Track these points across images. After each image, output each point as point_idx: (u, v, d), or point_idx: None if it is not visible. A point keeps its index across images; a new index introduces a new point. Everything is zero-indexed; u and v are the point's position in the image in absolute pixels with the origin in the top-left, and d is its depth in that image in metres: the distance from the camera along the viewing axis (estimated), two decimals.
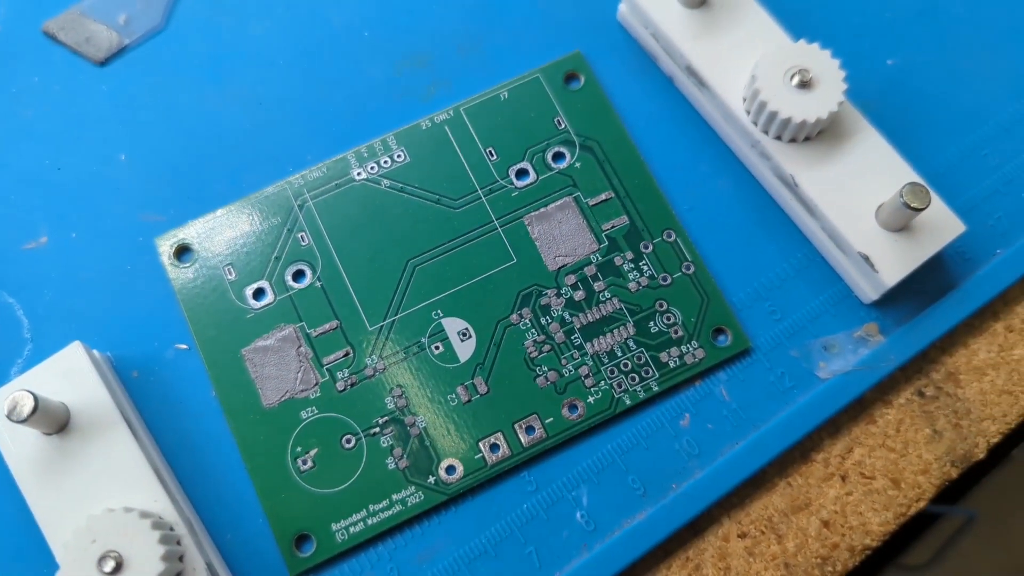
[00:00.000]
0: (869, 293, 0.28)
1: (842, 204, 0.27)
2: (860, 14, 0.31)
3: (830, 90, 0.27)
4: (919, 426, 0.28)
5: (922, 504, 0.28)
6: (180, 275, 0.28)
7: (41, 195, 0.29)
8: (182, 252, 0.29)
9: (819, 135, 0.28)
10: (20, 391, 0.24)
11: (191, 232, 0.29)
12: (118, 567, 0.23)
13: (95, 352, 0.27)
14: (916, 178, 0.27)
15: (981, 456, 0.28)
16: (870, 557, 0.28)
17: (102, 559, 0.23)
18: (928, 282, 0.29)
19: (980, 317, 0.29)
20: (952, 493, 0.49)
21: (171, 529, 0.25)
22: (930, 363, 0.29)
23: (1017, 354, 0.29)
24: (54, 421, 0.25)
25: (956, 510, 0.47)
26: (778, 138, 0.28)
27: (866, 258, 0.27)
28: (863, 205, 0.27)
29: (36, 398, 0.24)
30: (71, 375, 0.26)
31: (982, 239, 0.29)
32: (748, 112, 0.28)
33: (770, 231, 0.29)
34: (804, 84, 0.27)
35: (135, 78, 0.31)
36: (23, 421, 0.24)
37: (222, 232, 0.28)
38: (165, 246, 0.28)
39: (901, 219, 0.27)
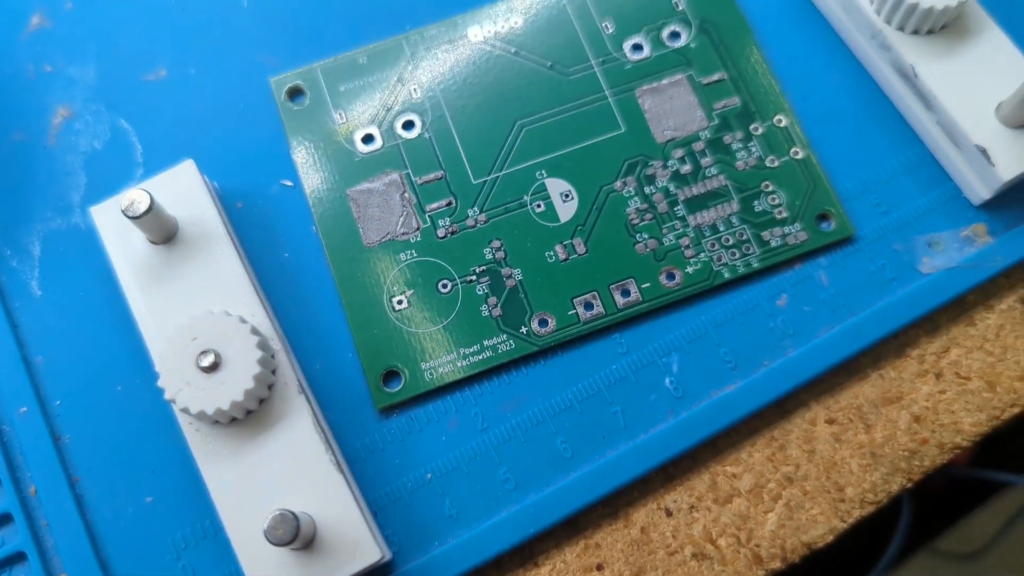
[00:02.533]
0: (981, 192, 0.27)
1: (961, 97, 0.27)
2: None
3: None
4: (1020, 333, 0.28)
5: (1016, 410, 0.27)
6: (291, 115, 0.29)
7: (164, 31, 0.30)
8: (295, 93, 0.29)
9: (943, 29, 0.28)
10: (138, 190, 0.24)
11: (306, 75, 0.29)
12: (216, 365, 0.24)
13: (204, 176, 0.27)
14: None
15: None
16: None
17: (201, 354, 0.24)
18: None
19: None
20: (1020, 464, 0.48)
21: (267, 341, 0.25)
22: None
23: None
24: (163, 228, 0.26)
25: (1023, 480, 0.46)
26: (901, 29, 0.28)
27: (983, 151, 0.26)
28: (983, 100, 0.27)
29: (152, 198, 0.24)
30: (182, 190, 0.26)
31: None
32: (872, 1, 0.28)
33: (881, 126, 0.29)
34: None
35: None
36: (137, 218, 0.24)
37: (336, 77, 0.29)
38: (279, 86, 0.29)
39: (1023, 114, 0.26)
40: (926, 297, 0.27)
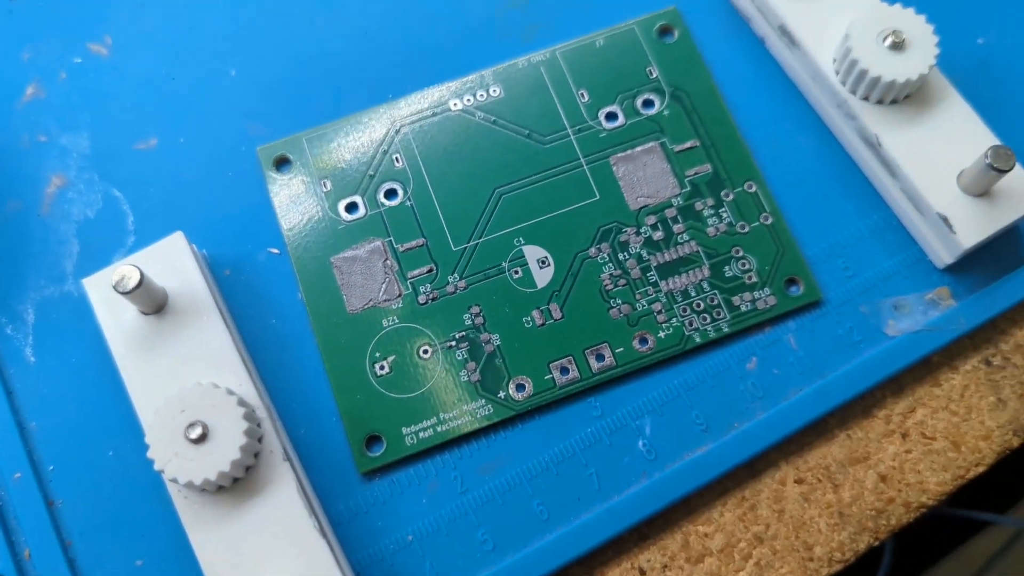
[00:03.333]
0: (944, 257, 0.28)
1: (924, 166, 0.28)
2: None
3: (922, 53, 0.28)
4: (984, 393, 0.28)
5: (981, 469, 0.28)
6: (278, 184, 0.30)
7: (155, 101, 0.31)
8: (282, 163, 0.30)
9: (906, 99, 0.29)
10: (128, 265, 0.25)
11: (291, 145, 0.30)
12: (204, 436, 0.24)
13: (193, 246, 0.28)
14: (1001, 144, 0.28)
15: None
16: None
17: (190, 426, 0.25)
18: (1004, 253, 0.29)
19: None
20: (1002, 503, 0.48)
21: (253, 411, 0.26)
22: (1000, 333, 0.29)
23: None
24: (153, 300, 0.26)
25: (1006, 520, 0.47)
26: (865, 98, 0.29)
27: (945, 219, 0.27)
28: (945, 169, 0.28)
29: (142, 273, 0.25)
30: (172, 262, 0.27)
31: None
32: (837, 72, 0.29)
33: (849, 191, 0.30)
34: (896, 45, 0.28)
35: (251, 0, 0.32)
36: (127, 293, 0.25)
37: (321, 147, 0.30)
38: (266, 156, 0.30)
39: (984, 182, 0.27)
40: (892, 359, 0.28)
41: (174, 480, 0.24)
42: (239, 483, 0.25)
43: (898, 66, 0.28)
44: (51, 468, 0.27)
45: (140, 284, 0.25)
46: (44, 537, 0.26)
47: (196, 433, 0.24)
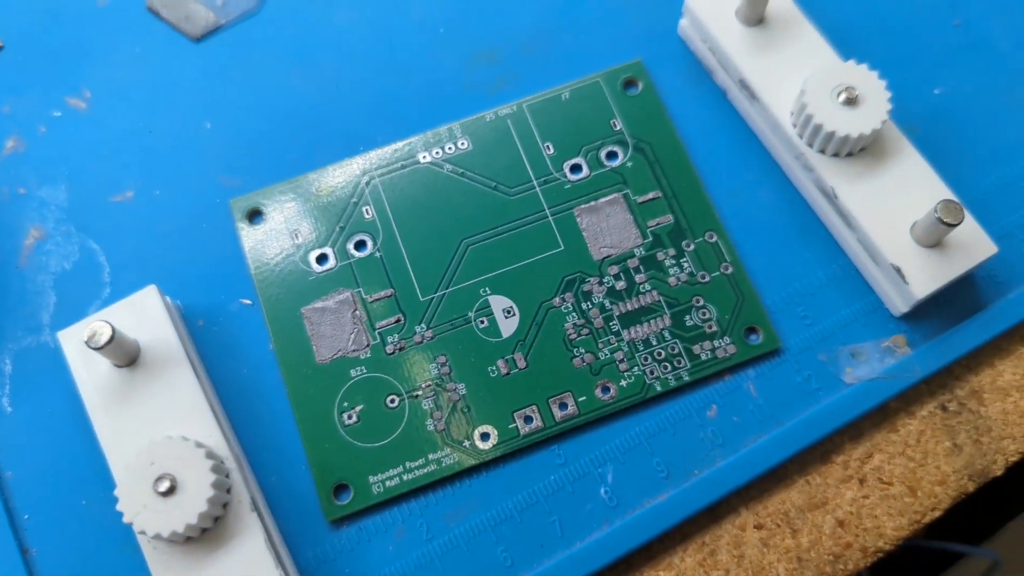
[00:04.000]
0: (899, 306, 0.29)
1: (879, 218, 0.29)
2: (911, 43, 0.33)
3: (875, 108, 0.29)
4: (940, 438, 0.29)
5: (937, 514, 0.28)
6: (250, 236, 0.30)
7: (132, 154, 0.32)
8: (254, 215, 0.31)
9: (861, 151, 0.29)
10: (99, 321, 0.26)
11: (264, 197, 0.31)
12: (172, 489, 0.25)
13: (167, 298, 0.29)
14: (952, 197, 0.28)
15: (999, 473, 0.29)
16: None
17: (158, 480, 0.25)
18: (958, 302, 0.30)
19: (1008, 340, 0.30)
20: (976, 535, 0.49)
21: (222, 462, 0.26)
22: (955, 379, 0.30)
23: None
24: (126, 354, 0.27)
25: (981, 552, 0.47)
26: (822, 152, 0.29)
27: (898, 270, 0.28)
28: (899, 220, 0.29)
29: (113, 329, 0.26)
30: (144, 315, 0.28)
31: (1015, 265, 0.30)
32: (795, 125, 0.30)
33: (807, 240, 0.30)
34: (850, 101, 0.29)
35: (226, 55, 0.33)
36: (99, 349, 0.26)
37: (293, 199, 0.31)
38: (239, 208, 0.31)
39: (934, 235, 0.28)
40: (850, 406, 0.29)
41: (143, 532, 0.25)
42: (208, 533, 0.26)
43: (852, 121, 0.28)
44: (26, 517, 0.28)
45: (111, 340, 0.26)
46: None
47: (164, 487, 0.25)
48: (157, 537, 0.25)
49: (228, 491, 0.26)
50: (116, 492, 0.25)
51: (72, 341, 0.28)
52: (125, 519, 0.25)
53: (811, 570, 0.28)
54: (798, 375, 0.29)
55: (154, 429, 0.27)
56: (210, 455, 0.26)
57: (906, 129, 0.31)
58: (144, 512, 0.25)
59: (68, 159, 0.32)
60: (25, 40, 0.33)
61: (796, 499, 0.28)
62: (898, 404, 0.29)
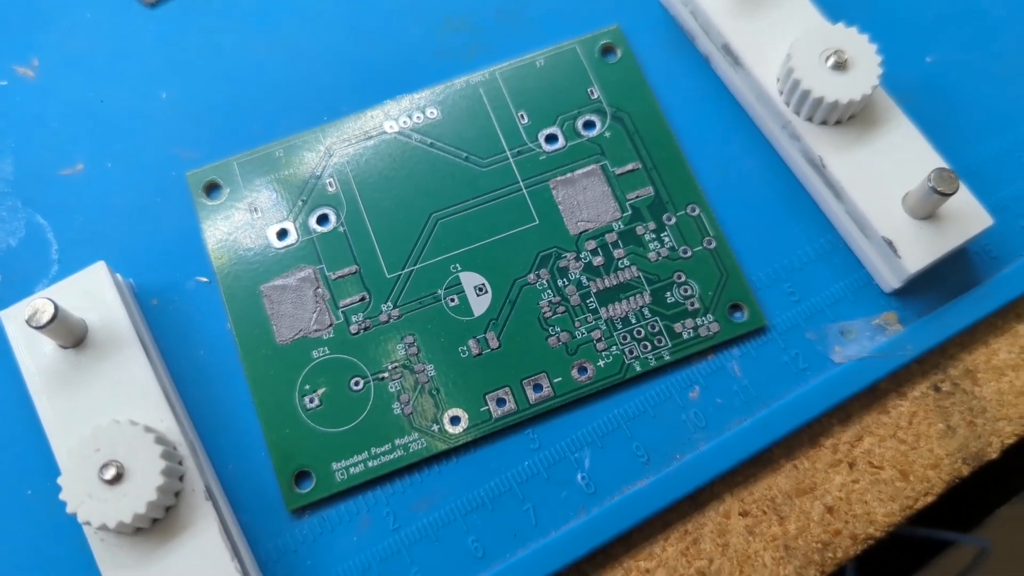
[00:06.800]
0: (891, 281, 0.28)
1: (869, 189, 0.27)
2: (902, 9, 0.32)
3: (865, 73, 0.27)
4: (932, 420, 0.28)
5: (930, 499, 0.27)
6: (208, 210, 0.29)
7: (82, 124, 0.30)
8: (212, 188, 0.29)
9: (851, 119, 0.28)
10: (42, 299, 0.24)
11: (222, 170, 0.29)
12: (119, 476, 0.24)
13: (118, 276, 0.27)
14: (946, 166, 0.27)
15: (994, 456, 0.28)
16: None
17: (104, 467, 0.24)
18: (952, 277, 0.28)
19: (1003, 317, 0.29)
20: (966, 522, 0.48)
21: (174, 448, 0.25)
22: (948, 359, 0.28)
23: None
24: (71, 334, 0.25)
25: (970, 539, 0.46)
26: (809, 119, 0.28)
27: (890, 243, 0.27)
28: (890, 191, 0.27)
29: (56, 307, 0.24)
30: (92, 293, 0.26)
31: (1010, 239, 0.29)
32: (781, 92, 0.28)
33: (794, 213, 0.29)
34: (839, 65, 0.27)
35: (183, 22, 0.31)
36: (41, 328, 0.24)
37: (252, 172, 0.29)
38: (196, 181, 0.29)
39: (928, 205, 0.26)
40: (839, 387, 0.27)
41: (87, 523, 0.23)
42: (159, 524, 0.24)
43: (841, 87, 0.27)
44: None
45: (54, 318, 0.24)
46: None
47: (110, 474, 0.24)
48: (103, 528, 0.23)
49: (181, 479, 0.25)
50: (59, 480, 0.24)
51: (15, 321, 0.26)
52: (68, 509, 0.23)
53: (799, 558, 0.26)
54: (785, 354, 0.28)
55: (102, 413, 0.25)
56: (160, 440, 0.24)
57: (897, 98, 0.29)
58: (88, 501, 0.23)
59: (15, 130, 0.30)
60: None
61: (783, 484, 0.27)
62: (889, 384, 0.28)
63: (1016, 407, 0.28)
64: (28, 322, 0.24)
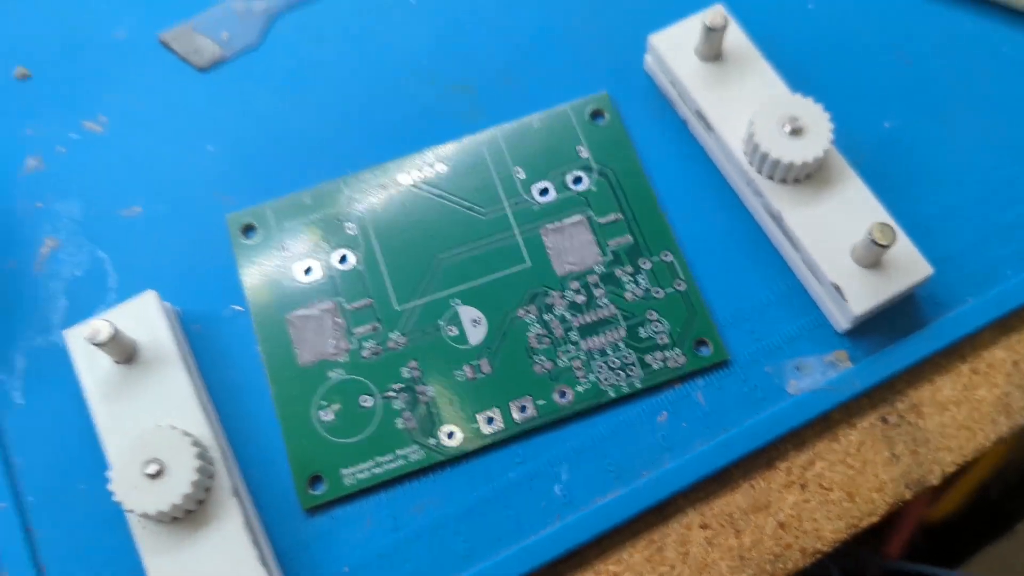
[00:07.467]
0: (841, 322, 0.31)
1: (821, 240, 0.31)
2: (863, 79, 0.35)
3: (818, 138, 0.31)
4: (879, 448, 0.31)
5: (874, 519, 0.30)
6: (244, 248, 0.33)
7: (141, 173, 0.35)
8: (248, 229, 0.34)
9: (808, 178, 0.32)
10: (100, 320, 0.29)
11: (257, 213, 0.34)
12: (160, 472, 0.28)
13: (167, 304, 0.32)
14: (889, 221, 0.30)
15: (935, 483, 0.31)
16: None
17: (147, 463, 0.28)
18: (899, 320, 0.32)
19: (947, 357, 0.32)
20: (951, 558, 0.50)
21: (207, 451, 0.29)
22: (896, 393, 0.32)
23: (979, 394, 0.31)
24: (124, 351, 0.30)
25: (957, 575, 0.48)
26: (770, 178, 0.32)
27: (838, 288, 0.30)
28: (840, 242, 0.31)
29: (114, 327, 0.29)
30: (143, 317, 0.31)
31: (955, 287, 0.32)
32: (746, 154, 0.32)
33: (757, 261, 0.33)
34: (795, 131, 0.31)
35: (229, 85, 0.36)
36: (100, 345, 0.29)
37: (283, 215, 0.33)
38: (234, 223, 0.34)
39: (871, 255, 0.30)
40: (793, 415, 0.30)
41: (131, 511, 0.28)
42: (192, 515, 0.28)
43: (796, 150, 0.31)
44: (31, 499, 0.30)
45: (112, 337, 0.29)
46: (21, 563, 0.29)
47: (153, 470, 0.28)
48: (145, 515, 0.28)
49: (211, 477, 0.29)
50: (109, 474, 0.28)
51: (77, 339, 0.31)
52: (115, 498, 0.27)
53: (752, 568, 0.30)
54: (745, 385, 0.31)
55: (147, 420, 0.29)
56: (196, 444, 0.28)
57: (854, 159, 0.33)
58: (133, 492, 0.28)
59: (83, 177, 0.35)
60: (49, 69, 0.37)
61: (740, 501, 0.30)
62: (840, 415, 0.31)
63: (957, 439, 0.31)
64: (88, 340, 0.29)
